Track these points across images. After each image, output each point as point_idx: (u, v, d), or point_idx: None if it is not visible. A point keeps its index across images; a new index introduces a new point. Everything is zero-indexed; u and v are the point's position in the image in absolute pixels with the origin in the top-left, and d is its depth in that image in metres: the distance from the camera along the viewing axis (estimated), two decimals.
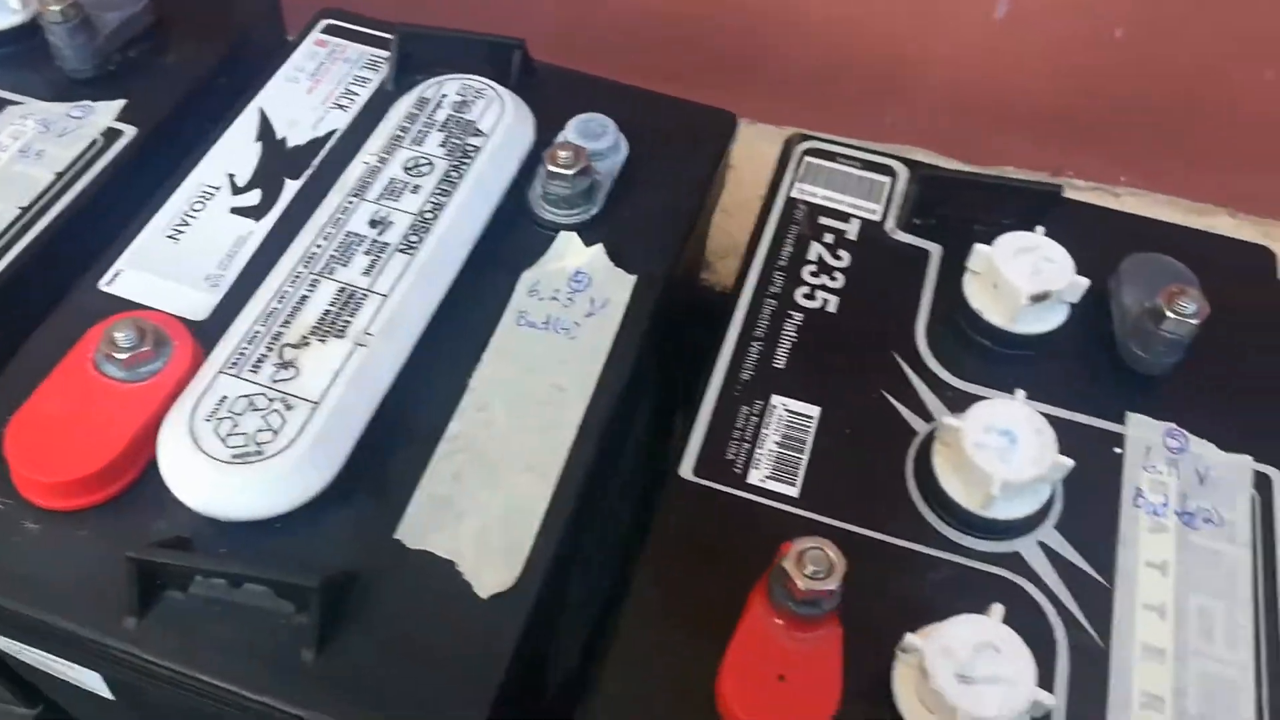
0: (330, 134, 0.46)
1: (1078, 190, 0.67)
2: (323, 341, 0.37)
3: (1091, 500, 0.38)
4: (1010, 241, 0.41)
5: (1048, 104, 0.64)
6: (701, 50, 0.67)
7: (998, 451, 0.35)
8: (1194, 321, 0.38)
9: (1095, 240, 0.43)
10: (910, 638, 0.31)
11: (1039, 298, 0.40)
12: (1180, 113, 0.63)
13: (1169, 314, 0.38)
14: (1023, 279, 0.40)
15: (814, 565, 0.31)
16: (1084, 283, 0.40)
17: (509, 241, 0.43)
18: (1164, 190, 0.66)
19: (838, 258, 0.44)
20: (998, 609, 0.32)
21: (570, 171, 0.43)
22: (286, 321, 0.37)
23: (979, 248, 0.41)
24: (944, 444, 0.37)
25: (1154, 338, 0.39)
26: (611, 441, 0.39)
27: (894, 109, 0.65)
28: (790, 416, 0.39)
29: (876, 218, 0.46)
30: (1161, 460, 0.39)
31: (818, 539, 0.32)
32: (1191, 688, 0.34)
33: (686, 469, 0.37)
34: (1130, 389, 0.40)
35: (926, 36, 0.63)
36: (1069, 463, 0.35)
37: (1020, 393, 0.37)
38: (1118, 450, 0.39)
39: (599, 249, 0.43)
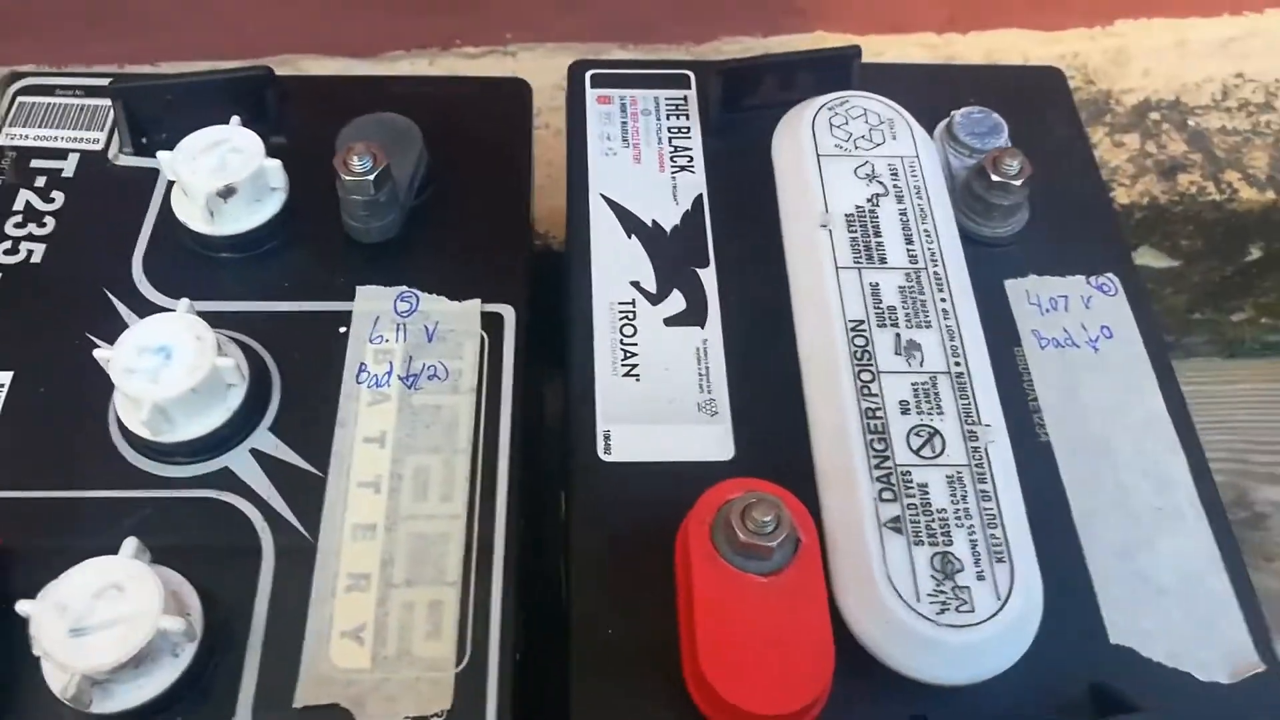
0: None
1: (470, 57, 0.65)
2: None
3: (313, 391, 0.36)
4: (195, 140, 0.38)
5: None
6: None
7: (150, 372, 0.33)
8: (367, 177, 0.36)
9: (331, 111, 0.41)
10: (22, 604, 0.29)
11: (225, 193, 0.37)
12: None
13: (345, 176, 0.37)
14: (203, 177, 0.37)
15: None
16: (274, 165, 0.38)
17: None
18: (553, 39, 0.65)
19: (50, 200, 0.40)
20: (129, 544, 0.30)
21: None
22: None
23: (161, 155, 0.38)
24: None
25: (353, 204, 0.37)
26: None
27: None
28: None
29: (99, 147, 0.42)
30: (390, 328, 0.37)
31: None
32: (400, 553, 0.33)
33: None
34: (360, 264, 0.39)
35: None
36: (228, 363, 0.33)
37: (184, 302, 0.34)
38: (344, 329, 0.37)
39: None
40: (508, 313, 0.38)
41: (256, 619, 0.31)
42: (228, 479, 0.34)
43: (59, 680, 0.28)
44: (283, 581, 0.32)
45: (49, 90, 0.43)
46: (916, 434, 0.33)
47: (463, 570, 0.33)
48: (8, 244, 0.38)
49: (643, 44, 0.65)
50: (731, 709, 0.28)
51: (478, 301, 0.38)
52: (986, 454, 0.33)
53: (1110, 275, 0.41)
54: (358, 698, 0.30)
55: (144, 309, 0.37)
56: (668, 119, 0.43)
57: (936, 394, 0.34)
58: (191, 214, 0.38)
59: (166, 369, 0.33)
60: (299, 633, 0.31)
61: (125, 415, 0.33)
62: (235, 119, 0.38)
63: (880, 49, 0.67)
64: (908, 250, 0.37)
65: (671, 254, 0.39)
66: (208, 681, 0.30)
